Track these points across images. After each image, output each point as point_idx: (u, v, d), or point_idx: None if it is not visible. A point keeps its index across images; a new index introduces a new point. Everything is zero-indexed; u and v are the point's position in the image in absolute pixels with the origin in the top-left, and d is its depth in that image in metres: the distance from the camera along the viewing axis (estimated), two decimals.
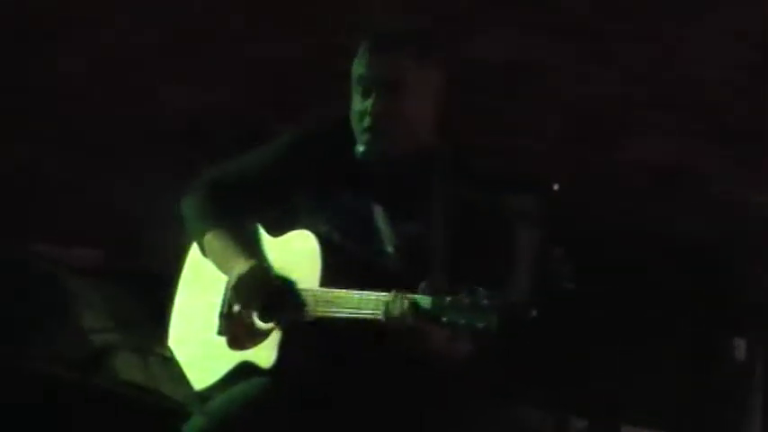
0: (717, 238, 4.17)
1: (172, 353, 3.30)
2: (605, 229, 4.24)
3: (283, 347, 3.08)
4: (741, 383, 3.75)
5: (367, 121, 3.11)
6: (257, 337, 3.13)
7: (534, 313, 2.89)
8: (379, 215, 3.17)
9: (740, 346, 3.69)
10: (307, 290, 3.09)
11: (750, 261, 3.81)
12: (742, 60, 4.36)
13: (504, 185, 3.27)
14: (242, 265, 3.14)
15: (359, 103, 3.13)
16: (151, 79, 4.57)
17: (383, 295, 2.97)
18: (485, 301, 2.86)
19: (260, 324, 3.15)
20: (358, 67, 3.14)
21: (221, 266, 3.22)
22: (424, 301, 2.92)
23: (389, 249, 3.14)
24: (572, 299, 3.80)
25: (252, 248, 3.20)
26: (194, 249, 3.32)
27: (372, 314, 2.97)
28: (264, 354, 3.11)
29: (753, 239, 3.81)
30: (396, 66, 3.09)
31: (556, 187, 3.54)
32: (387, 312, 2.94)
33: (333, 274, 3.08)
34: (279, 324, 3.11)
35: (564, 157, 4.38)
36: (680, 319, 4.14)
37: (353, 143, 3.18)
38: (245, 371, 3.13)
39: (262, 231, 3.26)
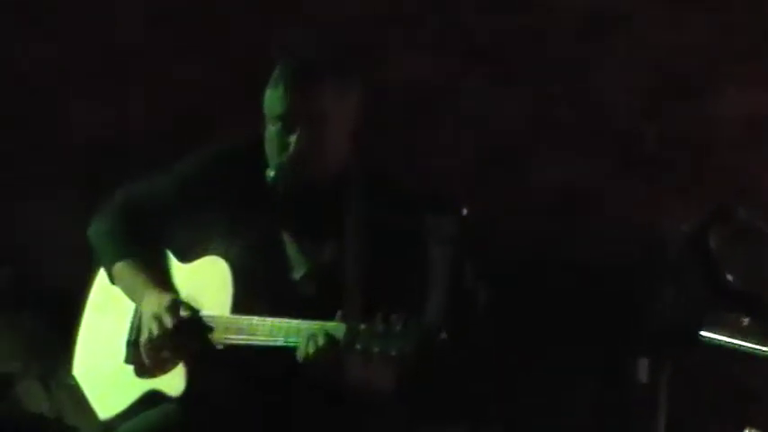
0: (621, 262, 4.21)
1: (76, 381, 3.23)
2: (515, 253, 4.25)
3: (192, 375, 3.03)
4: (645, 403, 3.80)
5: (289, 154, 3.06)
6: (166, 365, 3.07)
7: (444, 335, 2.87)
8: (291, 241, 3.14)
9: (643, 367, 3.74)
10: (217, 317, 3.04)
11: (653, 284, 3.86)
12: (650, 84, 4.41)
13: (416, 208, 3.25)
14: (154, 298, 3.09)
15: (275, 134, 3.08)
16: (64, 95, 4.49)
17: (295, 322, 2.93)
18: (398, 327, 2.84)
19: (167, 352, 3.08)
20: (276, 101, 3.07)
21: (130, 295, 3.17)
22: (338, 328, 2.88)
23: (301, 275, 3.11)
24: (485, 321, 3.80)
25: (163, 279, 3.14)
26: (102, 274, 3.25)
27: (285, 342, 2.93)
28: (173, 382, 3.05)
29: (656, 263, 3.86)
30: (317, 99, 3.04)
31: (465, 212, 3.53)
32: (299, 341, 2.90)
33: (244, 301, 3.03)
34: (189, 355, 3.05)
35: (477, 180, 4.39)
36: (586, 340, 4.19)
37: (265, 167, 3.13)
38: (152, 399, 3.08)
39: (171, 257, 3.20)
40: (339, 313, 2.91)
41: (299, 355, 2.90)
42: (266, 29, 4.38)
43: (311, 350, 2.88)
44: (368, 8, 4.38)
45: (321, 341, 2.88)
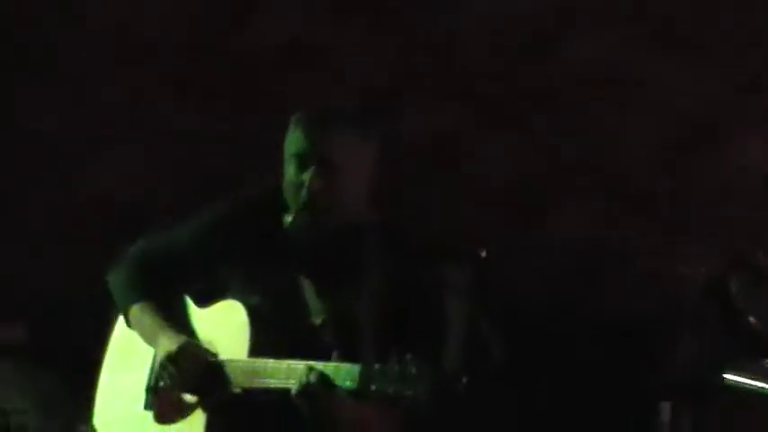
0: (641, 310, 4.21)
1: (96, 431, 3.24)
2: (535, 302, 4.26)
3: (211, 421, 3.03)
4: None
5: (304, 195, 3.09)
6: (185, 411, 3.08)
7: (464, 382, 2.87)
8: (309, 287, 3.15)
9: (665, 410, 3.73)
10: (234, 360, 3.05)
11: (673, 332, 3.87)
12: (667, 137, 4.44)
13: (433, 257, 3.26)
14: (170, 341, 3.10)
15: (295, 176, 3.11)
16: (80, 153, 4.54)
17: (311, 364, 2.93)
18: (413, 370, 2.84)
19: (187, 398, 3.10)
20: (294, 143, 3.11)
21: (148, 340, 3.17)
22: (352, 369, 2.89)
23: (318, 321, 3.12)
24: (503, 370, 3.79)
25: (180, 322, 3.15)
26: (120, 322, 3.27)
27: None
28: (192, 429, 3.05)
29: (675, 311, 3.87)
30: (336, 145, 3.08)
31: (483, 254, 3.55)
32: (307, 380, 2.91)
33: (261, 345, 3.04)
34: (206, 399, 3.06)
35: (498, 229, 4.41)
36: (609, 387, 4.18)
37: (282, 215, 3.16)
38: None
39: (189, 302, 3.22)
40: (334, 353, 2.92)
41: (293, 391, 2.92)
42: (294, 83, 4.44)
43: (300, 387, 2.90)
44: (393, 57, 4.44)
45: (312, 378, 2.89)
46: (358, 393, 2.87)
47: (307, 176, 3.08)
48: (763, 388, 3.50)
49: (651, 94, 4.44)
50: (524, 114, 4.47)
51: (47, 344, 4.32)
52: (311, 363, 2.93)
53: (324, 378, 2.89)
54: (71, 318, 4.30)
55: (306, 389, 2.90)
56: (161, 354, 3.10)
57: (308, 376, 2.91)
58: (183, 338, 3.10)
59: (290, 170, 3.12)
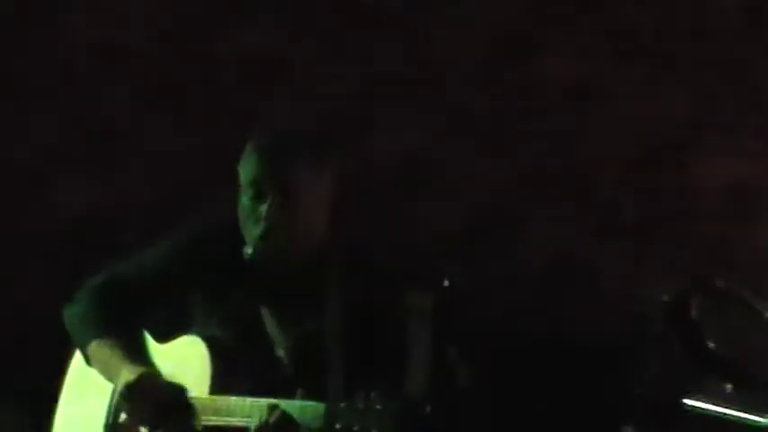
0: (605, 332, 4.21)
1: None
2: (499, 325, 4.25)
3: None
4: None
5: (261, 227, 3.04)
6: None
7: (428, 410, 2.85)
8: (270, 318, 3.12)
9: None
10: (196, 397, 3.01)
11: (637, 354, 3.87)
12: (629, 155, 4.44)
13: (395, 284, 3.24)
14: (129, 373, 3.05)
15: (251, 207, 3.06)
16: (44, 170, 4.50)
17: (273, 402, 2.90)
18: (378, 406, 2.82)
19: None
20: (250, 171, 3.06)
21: (107, 375, 3.12)
22: (318, 407, 2.86)
23: (281, 353, 3.09)
24: (467, 396, 3.79)
25: (140, 355, 3.11)
26: (78, 357, 3.22)
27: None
28: None
29: (639, 333, 3.87)
30: (293, 172, 3.03)
31: (446, 283, 3.53)
32: (267, 419, 2.88)
33: (223, 381, 3.01)
34: None
35: (462, 252, 4.40)
36: (572, 410, 4.18)
37: (242, 244, 3.12)
38: None
39: (149, 339, 3.18)
40: (299, 391, 2.89)
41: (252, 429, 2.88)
42: (258, 101, 4.41)
43: (259, 426, 2.87)
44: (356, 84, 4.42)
45: (272, 418, 2.86)
46: None
47: (263, 209, 3.02)
48: (724, 414, 3.51)
49: (616, 112, 4.44)
50: (491, 134, 4.46)
51: (2, 375, 4.25)
52: (275, 401, 2.90)
53: (285, 416, 2.86)
54: (28, 347, 4.24)
55: (264, 428, 2.87)
56: (120, 385, 3.06)
57: (269, 415, 2.88)
58: (142, 368, 3.05)
59: (245, 199, 3.07)
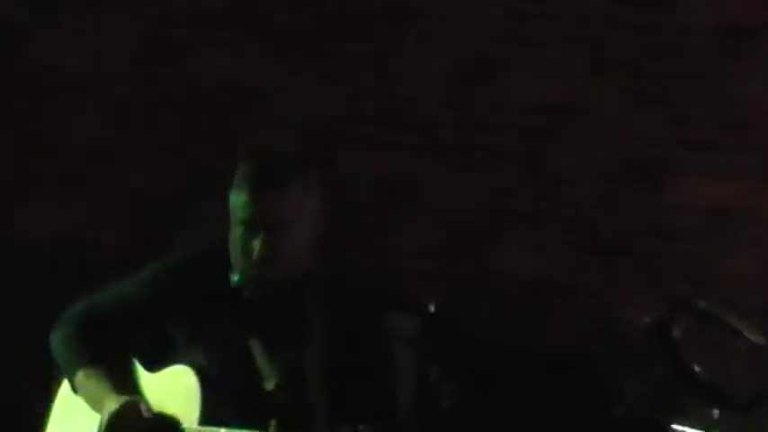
0: (587, 351, 4.23)
1: None
2: (481, 345, 4.25)
3: None
4: None
5: (254, 262, 3.04)
6: None
7: None
8: (258, 347, 3.10)
9: None
10: (185, 428, 2.99)
11: (619, 373, 3.88)
12: (609, 173, 4.45)
13: (378, 309, 3.23)
14: (114, 402, 3.02)
15: (243, 242, 3.05)
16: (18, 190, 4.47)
17: None
18: None
19: None
20: (241, 208, 3.05)
21: (93, 405, 3.09)
22: None
23: (270, 383, 3.07)
24: (453, 418, 3.78)
25: (126, 384, 3.08)
26: (65, 386, 3.19)
27: None
28: None
29: (621, 353, 3.88)
30: (283, 206, 3.03)
31: (432, 309, 3.52)
32: None
33: (212, 412, 2.98)
34: None
35: (442, 272, 4.40)
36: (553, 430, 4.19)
37: (228, 272, 3.10)
38: None
39: (139, 367, 3.15)
40: (273, 423, 2.86)
41: None
42: (231, 122, 4.40)
43: None
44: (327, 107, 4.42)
45: None
46: None
47: (256, 244, 3.02)
48: None
49: (593, 131, 4.45)
50: (464, 153, 4.47)
51: None
52: None
53: None
54: (12, 373, 4.20)
55: None
56: (106, 414, 3.03)
57: None
58: (127, 398, 3.02)
59: (237, 233, 3.07)
